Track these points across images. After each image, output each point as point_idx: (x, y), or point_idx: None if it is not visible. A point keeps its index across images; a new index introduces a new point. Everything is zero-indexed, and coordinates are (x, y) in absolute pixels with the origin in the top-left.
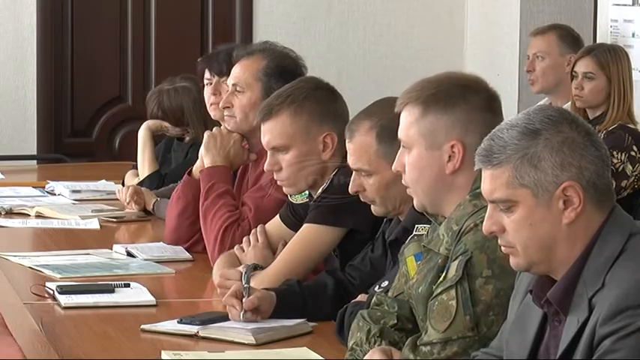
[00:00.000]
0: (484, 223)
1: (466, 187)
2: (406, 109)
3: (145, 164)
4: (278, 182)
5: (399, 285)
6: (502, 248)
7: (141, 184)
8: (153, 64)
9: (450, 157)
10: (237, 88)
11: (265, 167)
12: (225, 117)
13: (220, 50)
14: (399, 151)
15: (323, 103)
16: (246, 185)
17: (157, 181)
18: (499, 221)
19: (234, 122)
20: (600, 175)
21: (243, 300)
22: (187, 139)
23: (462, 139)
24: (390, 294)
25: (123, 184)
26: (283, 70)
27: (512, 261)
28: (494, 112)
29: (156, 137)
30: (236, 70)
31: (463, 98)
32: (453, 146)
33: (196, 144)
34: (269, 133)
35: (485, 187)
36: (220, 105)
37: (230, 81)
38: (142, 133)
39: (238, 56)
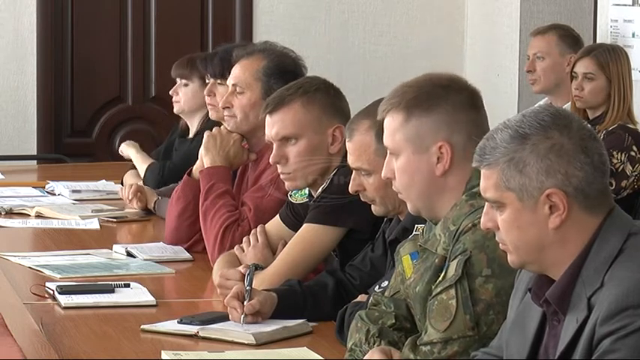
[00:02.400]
0: (482, 217)
1: (459, 187)
2: (389, 116)
3: (141, 165)
4: (281, 176)
5: (395, 284)
6: (499, 245)
7: (144, 182)
8: (153, 64)
9: (438, 158)
10: (237, 88)
11: (271, 160)
12: (225, 117)
13: (216, 51)
14: (387, 158)
15: (332, 97)
16: (245, 185)
17: (157, 171)
18: (494, 218)
19: (234, 122)
20: (590, 182)
21: (245, 303)
22: (190, 135)
23: (449, 140)
24: (386, 293)
25: (122, 185)
26: (283, 70)
27: (508, 258)
28: (478, 108)
29: (158, 140)
30: (236, 70)
31: (445, 98)
32: (440, 147)
33: (198, 138)
34: (279, 123)
35: (481, 184)
36: (220, 105)
37: (230, 81)
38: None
39: (238, 56)
